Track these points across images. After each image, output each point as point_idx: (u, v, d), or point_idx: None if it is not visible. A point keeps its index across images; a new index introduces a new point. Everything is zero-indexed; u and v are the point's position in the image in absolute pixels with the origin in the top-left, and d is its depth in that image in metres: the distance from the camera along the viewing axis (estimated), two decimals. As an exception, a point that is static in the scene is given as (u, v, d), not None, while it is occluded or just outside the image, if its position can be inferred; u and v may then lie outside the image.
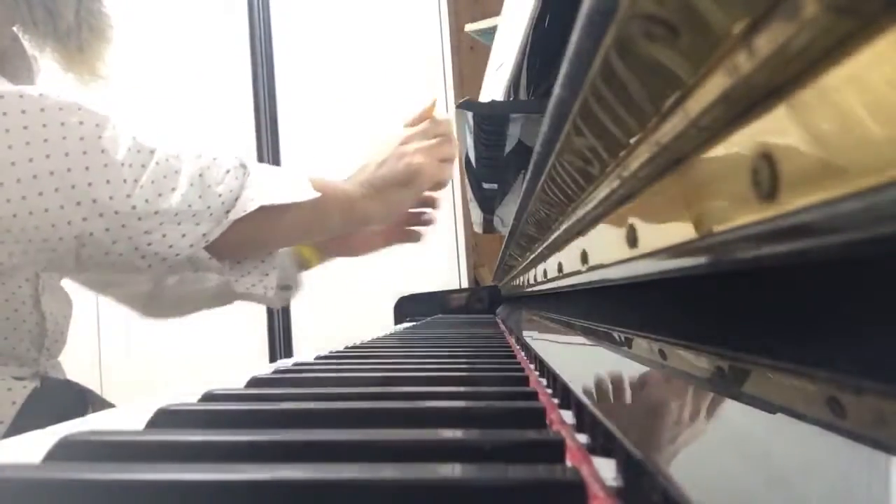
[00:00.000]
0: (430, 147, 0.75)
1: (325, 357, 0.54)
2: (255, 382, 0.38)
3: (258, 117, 2.12)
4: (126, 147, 0.60)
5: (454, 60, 2.03)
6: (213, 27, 2.16)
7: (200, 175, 0.63)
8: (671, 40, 0.15)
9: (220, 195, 0.63)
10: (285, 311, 2.11)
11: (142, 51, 2.07)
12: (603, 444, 0.22)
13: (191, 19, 2.17)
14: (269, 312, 2.09)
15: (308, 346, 1.93)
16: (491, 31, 1.16)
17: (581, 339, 0.39)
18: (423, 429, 0.24)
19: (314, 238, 0.77)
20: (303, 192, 0.68)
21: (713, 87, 0.14)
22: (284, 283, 0.86)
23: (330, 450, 0.21)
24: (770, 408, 0.15)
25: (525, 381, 0.37)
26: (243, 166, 0.66)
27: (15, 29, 0.74)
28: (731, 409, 0.17)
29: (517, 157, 0.70)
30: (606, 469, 0.20)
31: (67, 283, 0.87)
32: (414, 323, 1.20)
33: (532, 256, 0.60)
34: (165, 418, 0.27)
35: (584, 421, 0.26)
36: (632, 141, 0.20)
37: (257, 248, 0.71)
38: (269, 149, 2.11)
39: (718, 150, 0.15)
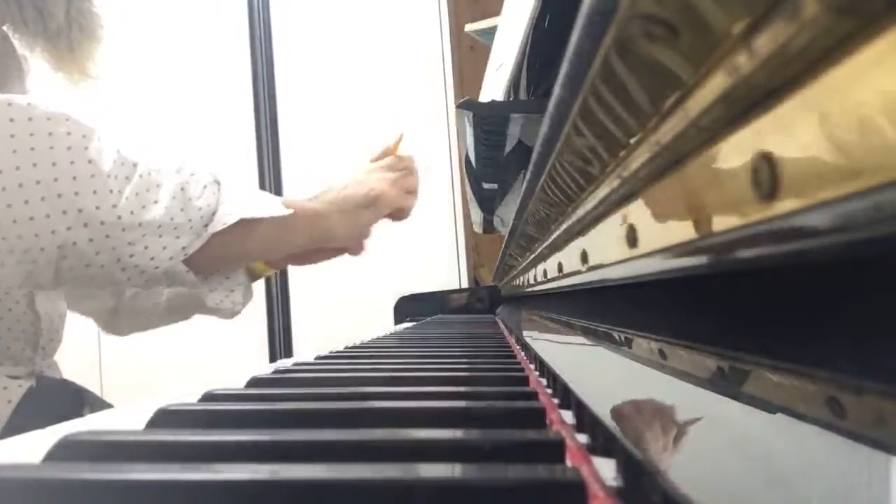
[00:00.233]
0: (394, 178, 0.79)
1: (325, 357, 0.54)
2: (255, 382, 0.38)
3: (258, 117, 2.12)
4: (112, 159, 0.60)
5: (454, 60, 2.03)
6: (213, 27, 2.16)
7: (182, 189, 0.64)
8: (671, 40, 0.15)
9: (199, 209, 0.64)
10: (285, 311, 2.11)
11: (142, 51, 2.08)
12: (603, 444, 0.22)
13: (191, 19, 2.17)
14: (269, 312, 2.09)
15: (308, 346, 1.93)
16: (491, 31, 1.16)
17: (581, 339, 0.39)
18: (423, 429, 0.24)
19: (281, 253, 0.78)
20: (276, 208, 0.69)
21: (713, 87, 0.14)
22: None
23: (330, 450, 0.21)
24: (770, 408, 0.15)
25: (525, 381, 0.37)
26: (217, 182, 0.67)
27: (5, 28, 0.73)
28: (731, 409, 0.17)
29: (517, 157, 0.70)
30: (606, 469, 0.20)
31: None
32: (414, 323, 1.20)
33: (532, 256, 0.60)
34: (165, 418, 0.27)
35: (584, 421, 0.26)
36: (632, 141, 0.20)
37: (228, 262, 0.72)
38: (269, 149, 2.11)
39: (718, 150, 0.15)
